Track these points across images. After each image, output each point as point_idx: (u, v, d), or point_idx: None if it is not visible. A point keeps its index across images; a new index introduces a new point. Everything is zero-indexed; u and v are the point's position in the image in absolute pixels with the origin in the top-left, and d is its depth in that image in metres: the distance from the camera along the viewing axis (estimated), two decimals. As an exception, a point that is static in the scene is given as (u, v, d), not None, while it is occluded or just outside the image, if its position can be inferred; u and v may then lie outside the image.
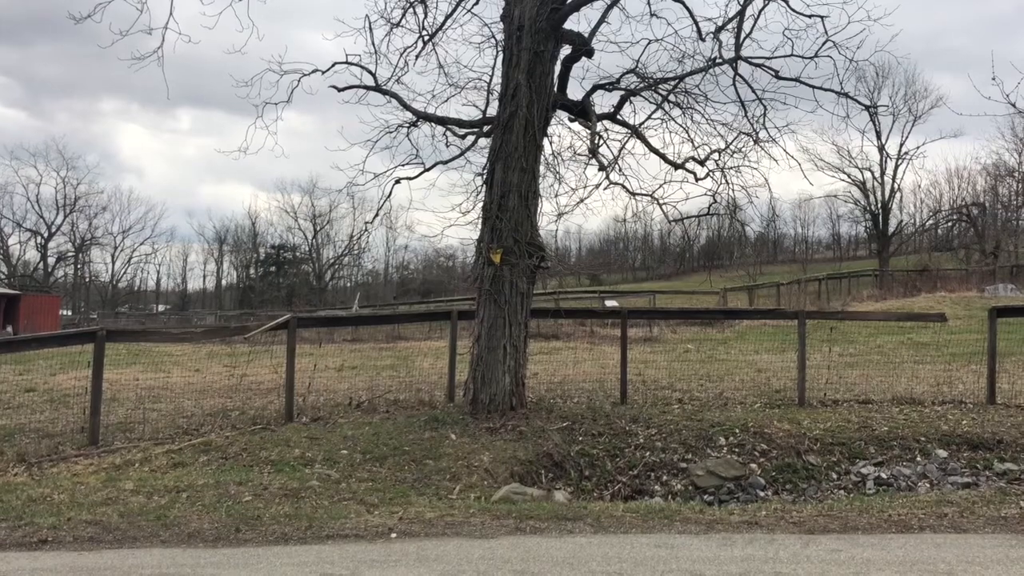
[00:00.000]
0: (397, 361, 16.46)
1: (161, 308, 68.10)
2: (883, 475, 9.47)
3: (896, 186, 52.11)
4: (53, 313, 42.87)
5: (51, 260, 66.22)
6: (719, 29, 11.31)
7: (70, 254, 67.43)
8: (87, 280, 70.63)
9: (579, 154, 12.38)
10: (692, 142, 11.99)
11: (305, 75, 11.72)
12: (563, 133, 12.47)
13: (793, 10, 11.22)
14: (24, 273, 63.84)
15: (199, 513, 7.17)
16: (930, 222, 59.20)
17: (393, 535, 6.62)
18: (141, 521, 6.96)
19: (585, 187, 12.17)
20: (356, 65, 11.93)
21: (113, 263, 69.71)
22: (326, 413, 11.06)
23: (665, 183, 12.10)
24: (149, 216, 77.65)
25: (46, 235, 65.30)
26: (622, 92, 11.75)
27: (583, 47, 11.15)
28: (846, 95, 11.84)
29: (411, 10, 11.95)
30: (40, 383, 13.53)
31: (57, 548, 6.33)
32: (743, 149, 11.95)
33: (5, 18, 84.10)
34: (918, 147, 54.82)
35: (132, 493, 7.79)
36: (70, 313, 57.22)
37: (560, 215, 12.30)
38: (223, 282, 75.63)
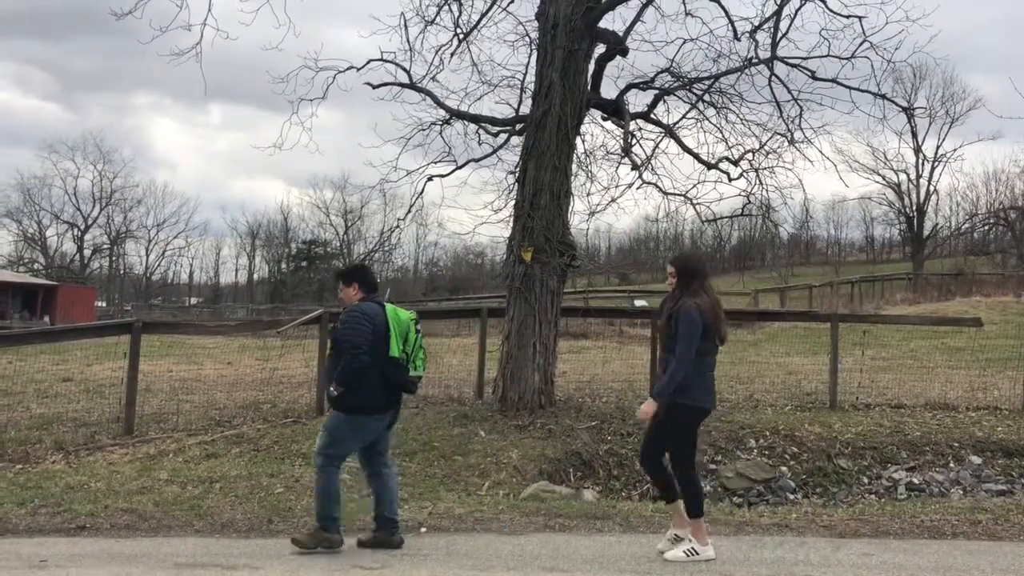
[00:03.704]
0: (426, 357, 16.53)
1: (194, 301, 68.80)
2: (915, 480, 9.38)
3: (932, 189, 51.32)
4: (89, 304, 43.52)
5: (87, 252, 67.13)
6: (755, 29, 11.25)
7: (105, 246, 68.31)
8: (122, 272, 71.55)
9: (612, 153, 12.35)
10: (726, 142, 11.92)
11: (340, 72, 11.79)
12: (596, 132, 12.48)
13: (830, 10, 11.12)
14: (61, 264, 64.82)
15: (232, 504, 7.27)
16: (966, 225, 58.23)
17: (423, 529, 6.67)
18: (175, 510, 7.07)
19: (617, 186, 12.13)
20: (391, 62, 11.98)
21: (147, 256, 70.53)
22: (356, 408, 11.12)
23: (698, 183, 12.05)
24: (183, 210, 78.03)
25: (83, 227, 66.22)
26: (656, 91, 11.71)
27: (617, 46, 11.12)
28: (883, 96, 11.73)
29: (446, 8, 11.99)
30: (77, 373, 13.75)
31: (95, 535, 6.46)
32: (778, 150, 11.86)
33: (42, 12, 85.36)
34: (955, 149, 53.58)
35: (166, 483, 7.92)
36: (104, 305, 58.01)
37: (592, 214, 12.28)
38: (255, 276, 76.25)
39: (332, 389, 5.94)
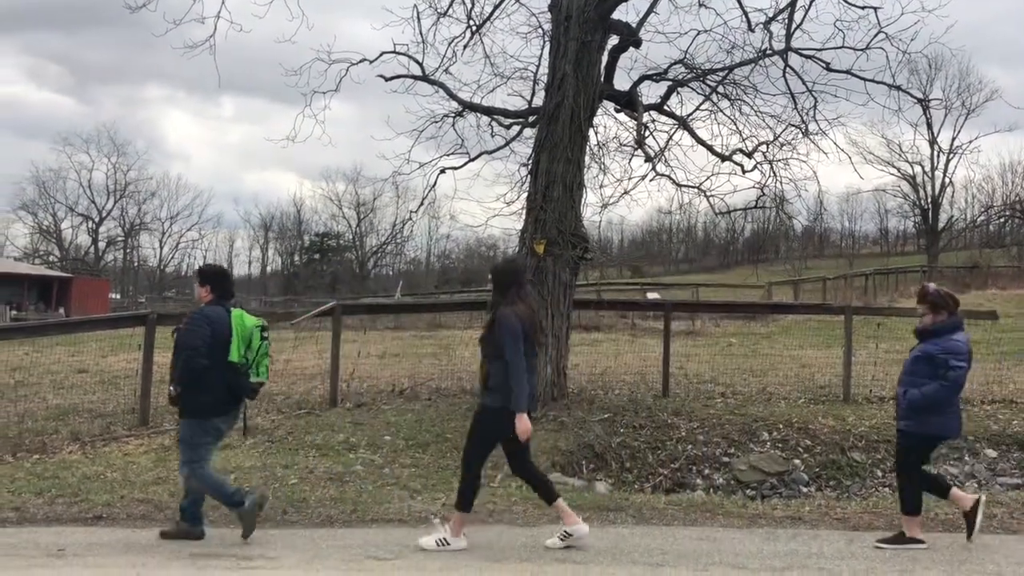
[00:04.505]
0: (438, 349, 16.55)
1: (207, 293, 69.00)
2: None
3: (947, 181, 50.91)
4: (103, 296, 43.83)
5: (102, 244, 67.55)
6: (770, 20, 11.17)
7: (120, 239, 68.73)
8: (136, 264, 71.94)
9: (625, 145, 12.32)
10: (740, 134, 11.86)
11: (353, 64, 11.80)
12: (609, 124, 12.43)
13: (846, 1, 11.04)
14: (76, 257, 65.21)
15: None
16: (982, 218, 57.82)
17: (436, 520, 6.69)
18: (191, 501, 7.11)
19: (630, 178, 12.09)
20: (403, 55, 11.97)
21: (161, 248, 70.93)
22: (369, 399, 11.19)
23: (712, 175, 12.00)
24: (196, 202, 78.56)
25: (97, 220, 66.63)
26: (670, 83, 11.66)
27: (631, 37, 11.09)
28: (898, 88, 11.63)
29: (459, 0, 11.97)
30: (92, 364, 13.83)
31: (111, 524, 6.52)
32: (792, 141, 11.80)
33: (56, 5, 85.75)
34: (971, 141, 53.29)
35: (182, 473, 7.95)
36: (119, 296, 58.37)
37: (604, 206, 12.26)
38: (268, 268, 76.41)
39: (171, 388, 6.12)
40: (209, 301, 6.24)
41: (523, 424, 5.75)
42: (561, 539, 5.91)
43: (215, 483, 6.16)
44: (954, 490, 6.32)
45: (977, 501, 6.10)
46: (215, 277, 6.41)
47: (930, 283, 6.51)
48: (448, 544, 5.90)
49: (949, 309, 6.12)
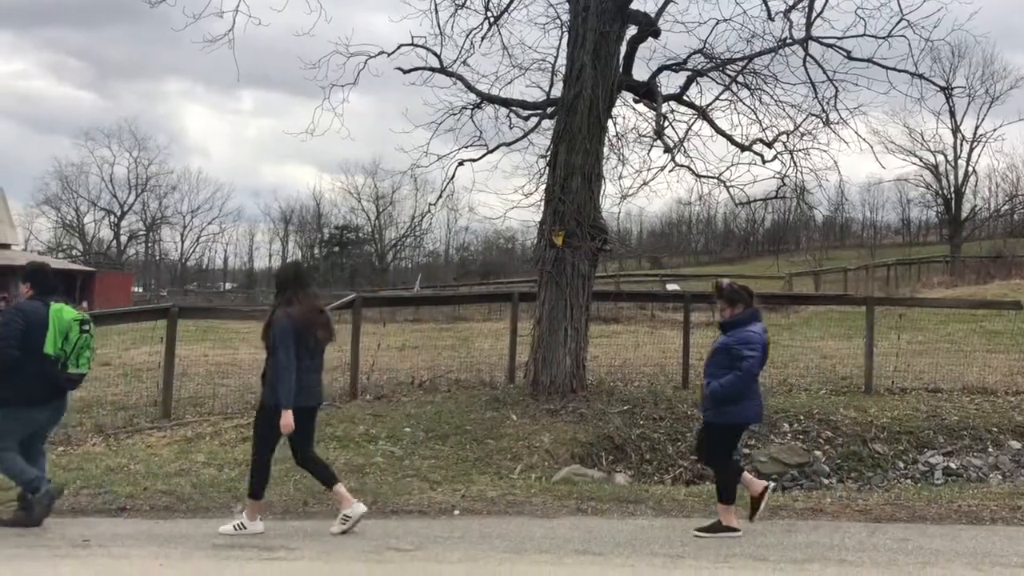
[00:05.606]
0: (458, 341, 16.59)
1: (228, 286, 69.56)
2: (952, 465, 9.28)
3: (970, 169, 50.20)
4: (126, 290, 44.19)
5: (124, 238, 68.14)
6: (789, 8, 11.06)
7: (141, 233, 69.30)
8: (157, 258, 72.49)
9: (644, 136, 12.26)
10: (760, 124, 11.77)
11: (371, 57, 11.81)
12: (628, 114, 12.33)
13: (867, -12, 10.91)
14: (98, 251, 65.83)
15: (268, 486, 7.32)
16: (1006, 207, 57.02)
17: (456, 512, 6.72)
18: (212, 492, 7.19)
19: (649, 169, 12.05)
20: (421, 47, 11.96)
21: (182, 242, 71.39)
22: (389, 391, 11.22)
23: (732, 165, 11.93)
24: (217, 196, 78.53)
25: (119, 214, 67.20)
26: (689, 73, 11.59)
27: (649, 27, 11.02)
28: (920, 76, 11.49)
29: (477, -10, 11.92)
30: (115, 357, 13.96)
31: (135, 515, 6.59)
32: (812, 131, 11.70)
33: (77, 1, 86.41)
34: (995, 129, 52.29)
35: (203, 465, 8.04)
36: (141, 290, 58.85)
37: (623, 197, 12.21)
38: (288, 261, 76.88)
39: None
40: (30, 296, 6.43)
41: (285, 419, 5.95)
42: (342, 523, 6.07)
43: (16, 468, 6.27)
44: (745, 474, 6.58)
45: (765, 488, 6.45)
46: (33, 276, 6.59)
47: (723, 279, 6.79)
48: (245, 528, 6.09)
49: (745, 302, 6.35)
